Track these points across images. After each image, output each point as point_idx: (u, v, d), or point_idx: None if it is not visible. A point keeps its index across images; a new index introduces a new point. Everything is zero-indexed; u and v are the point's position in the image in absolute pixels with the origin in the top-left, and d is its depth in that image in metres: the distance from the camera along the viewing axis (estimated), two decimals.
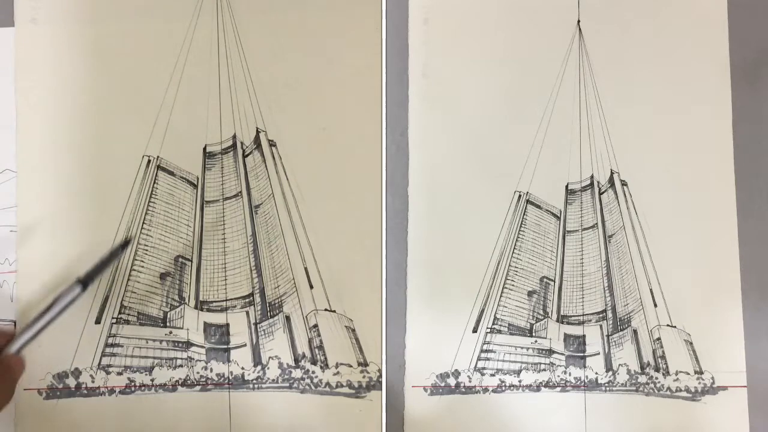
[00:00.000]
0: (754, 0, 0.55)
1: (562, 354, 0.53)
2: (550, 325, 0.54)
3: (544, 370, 0.53)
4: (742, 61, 0.54)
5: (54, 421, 0.52)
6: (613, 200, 0.54)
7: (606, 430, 0.53)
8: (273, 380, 0.52)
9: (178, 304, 0.53)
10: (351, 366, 0.52)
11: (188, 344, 0.53)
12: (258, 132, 0.54)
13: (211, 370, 0.52)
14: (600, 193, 0.55)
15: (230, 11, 0.54)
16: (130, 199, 0.53)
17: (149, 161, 0.53)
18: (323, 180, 0.53)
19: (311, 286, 0.53)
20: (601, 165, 0.54)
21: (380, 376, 0.52)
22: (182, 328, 0.53)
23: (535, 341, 0.54)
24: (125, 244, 0.51)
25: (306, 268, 0.53)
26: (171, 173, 0.54)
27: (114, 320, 0.52)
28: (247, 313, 0.53)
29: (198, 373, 0.52)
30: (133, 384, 0.52)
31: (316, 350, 0.53)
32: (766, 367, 0.53)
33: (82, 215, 0.53)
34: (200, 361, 0.52)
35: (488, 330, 0.53)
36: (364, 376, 0.52)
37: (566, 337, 0.54)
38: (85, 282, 0.47)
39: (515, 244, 0.54)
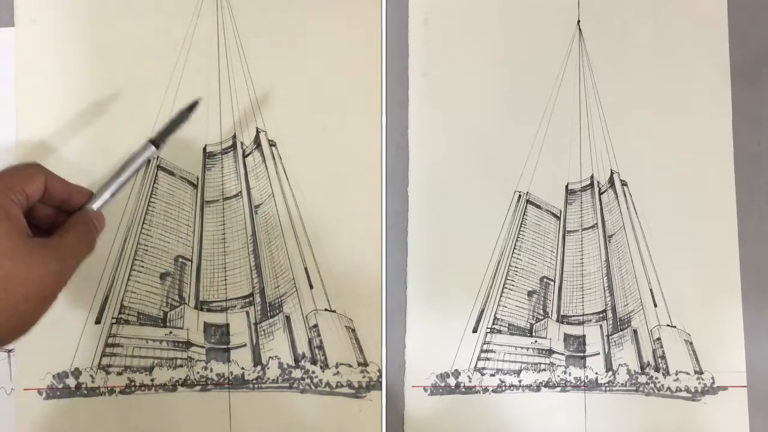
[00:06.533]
0: (754, 0, 0.55)
1: (562, 354, 0.53)
2: (550, 325, 0.54)
3: (544, 370, 0.53)
4: (742, 61, 0.54)
5: (54, 421, 0.52)
6: (613, 200, 0.54)
7: (606, 430, 0.53)
8: (273, 380, 0.52)
9: (178, 304, 0.53)
10: (351, 366, 0.52)
11: (188, 344, 0.53)
12: (258, 132, 0.54)
13: (211, 370, 0.52)
14: (600, 193, 0.55)
15: (230, 11, 0.54)
16: (130, 199, 0.53)
17: (149, 161, 0.53)
18: (323, 180, 0.53)
19: (311, 286, 0.53)
20: (601, 165, 0.54)
21: (380, 376, 0.52)
22: (182, 328, 0.53)
23: (535, 341, 0.54)
24: (193, 104, 0.49)
25: (306, 268, 0.53)
26: (171, 173, 0.54)
27: (114, 320, 0.52)
28: (247, 313, 0.53)
29: (198, 373, 0.52)
30: (133, 384, 0.52)
31: (316, 350, 0.53)
32: (766, 367, 0.53)
33: None
34: (200, 361, 0.52)
35: (488, 330, 0.53)
36: (364, 376, 0.52)
37: (566, 337, 0.54)
38: (156, 142, 0.47)
39: (515, 244, 0.54)
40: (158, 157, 0.53)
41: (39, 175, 0.41)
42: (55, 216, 0.44)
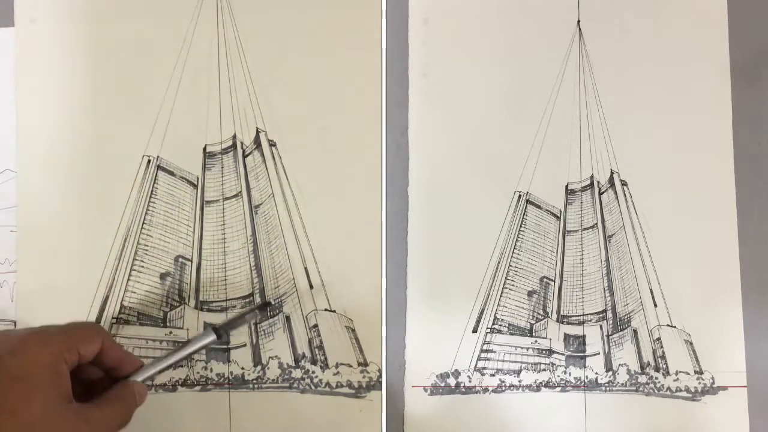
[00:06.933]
0: (754, 0, 0.55)
1: (562, 354, 0.53)
2: (550, 325, 0.54)
3: (544, 370, 0.53)
4: (742, 61, 0.54)
5: None
6: (613, 200, 0.54)
7: (606, 430, 0.53)
8: (273, 380, 0.52)
9: (178, 304, 0.53)
10: (351, 366, 0.52)
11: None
12: (258, 132, 0.54)
13: (211, 370, 0.52)
14: (600, 193, 0.55)
15: (230, 11, 0.54)
16: (130, 199, 0.53)
17: (149, 161, 0.53)
18: (323, 180, 0.53)
19: (311, 286, 0.53)
20: (601, 165, 0.54)
21: (380, 376, 0.52)
22: (182, 328, 0.53)
23: (535, 341, 0.54)
24: (264, 305, 0.52)
25: (306, 268, 0.53)
26: (171, 173, 0.54)
27: (114, 320, 0.52)
28: None
29: (198, 373, 0.52)
30: None
31: (316, 350, 0.53)
32: (766, 367, 0.53)
33: (82, 215, 0.53)
34: (200, 361, 0.52)
35: (488, 330, 0.53)
36: (364, 376, 0.52)
37: (566, 337, 0.54)
38: (218, 331, 0.48)
39: (515, 244, 0.54)
40: (158, 156, 0.53)
41: (97, 339, 0.41)
42: (102, 378, 0.44)
